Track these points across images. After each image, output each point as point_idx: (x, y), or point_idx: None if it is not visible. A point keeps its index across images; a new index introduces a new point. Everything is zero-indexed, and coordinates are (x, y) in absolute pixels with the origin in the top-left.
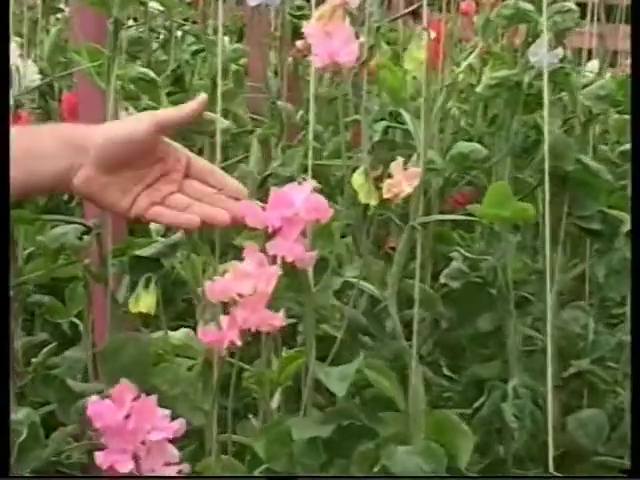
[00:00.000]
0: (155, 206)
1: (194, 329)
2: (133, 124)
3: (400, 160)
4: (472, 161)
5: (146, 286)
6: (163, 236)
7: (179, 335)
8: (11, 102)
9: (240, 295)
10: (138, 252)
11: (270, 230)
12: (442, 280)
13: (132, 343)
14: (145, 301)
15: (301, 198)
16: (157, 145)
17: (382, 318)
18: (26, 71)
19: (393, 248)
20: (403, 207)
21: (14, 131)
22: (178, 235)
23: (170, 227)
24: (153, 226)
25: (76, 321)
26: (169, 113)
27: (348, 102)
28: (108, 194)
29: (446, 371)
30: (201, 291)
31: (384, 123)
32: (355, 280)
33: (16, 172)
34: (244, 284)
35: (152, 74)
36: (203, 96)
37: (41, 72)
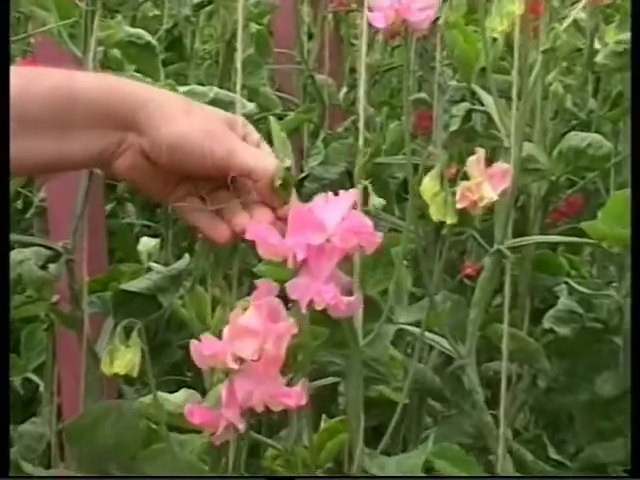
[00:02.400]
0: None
1: (196, 387)
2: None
3: (480, 152)
4: (589, 160)
5: (126, 336)
6: (163, 263)
7: (178, 398)
8: None
9: (239, 360)
10: (125, 286)
11: (291, 263)
12: (545, 324)
13: (114, 414)
14: (123, 359)
15: (336, 217)
16: None
17: (459, 376)
18: None
19: (471, 276)
20: (485, 220)
21: (40, 77)
22: (182, 262)
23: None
24: (143, 247)
25: (35, 379)
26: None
27: (411, 75)
28: (152, 183)
29: (552, 453)
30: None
31: (465, 105)
32: (417, 329)
33: (47, 139)
34: (245, 345)
35: (148, 36)
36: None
37: None
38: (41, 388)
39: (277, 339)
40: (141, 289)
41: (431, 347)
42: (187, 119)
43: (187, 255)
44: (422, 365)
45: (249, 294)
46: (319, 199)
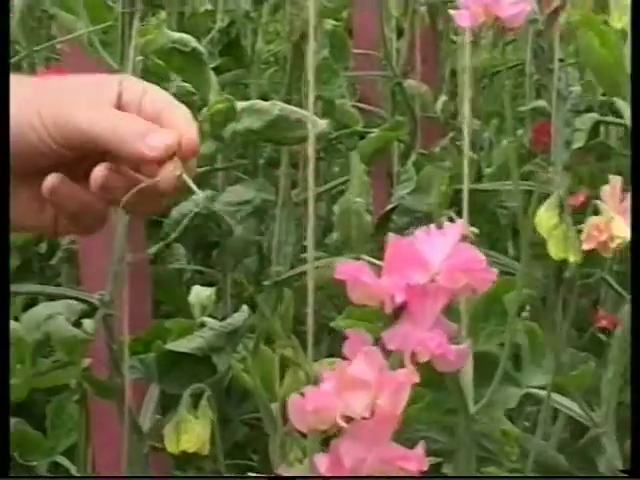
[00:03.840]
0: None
1: (263, 472)
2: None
3: (616, 181)
4: None
5: (194, 406)
6: (219, 317)
7: None
8: None
9: (348, 419)
10: (172, 345)
11: (389, 308)
12: None
13: None
14: (192, 433)
15: (442, 252)
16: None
17: (593, 454)
18: None
19: (606, 329)
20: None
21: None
22: (240, 316)
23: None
24: (195, 298)
25: (65, 463)
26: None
27: (526, 80)
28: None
29: None
30: (278, 409)
31: (592, 117)
32: (544, 392)
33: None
34: (355, 400)
35: (194, 42)
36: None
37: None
38: (72, 472)
39: (394, 392)
40: (191, 349)
41: (554, 418)
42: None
43: (245, 307)
44: (543, 441)
45: (329, 355)
46: (420, 233)
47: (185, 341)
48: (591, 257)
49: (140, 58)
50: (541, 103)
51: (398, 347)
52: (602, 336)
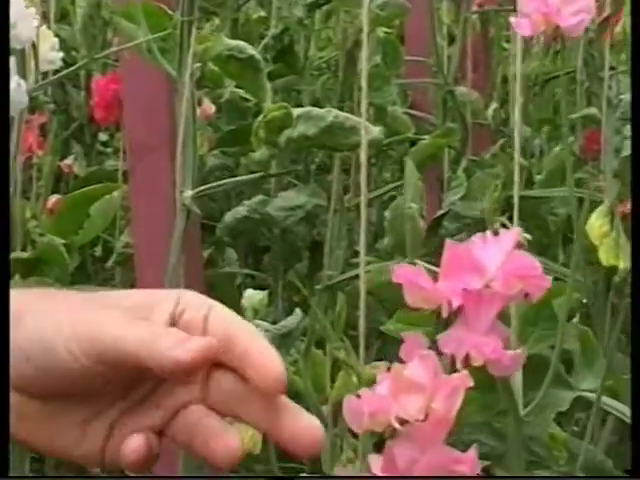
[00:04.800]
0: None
1: (314, 472)
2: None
3: None
4: None
5: None
6: (271, 321)
7: None
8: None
9: (402, 421)
10: None
11: (446, 312)
12: None
13: None
14: (246, 432)
15: (497, 258)
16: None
17: None
18: (42, 47)
19: None
20: None
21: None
22: (294, 319)
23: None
24: (247, 301)
25: None
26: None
27: (577, 87)
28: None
29: None
30: (330, 411)
31: None
32: (593, 395)
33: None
34: (410, 402)
35: (251, 49)
36: None
37: (64, 49)
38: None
39: (449, 395)
40: None
41: (603, 422)
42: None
43: (299, 310)
44: (591, 445)
45: (378, 358)
46: (476, 239)
47: None
48: None
49: (197, 65)
50: (592, 110)
51: (453, 350)
52: None
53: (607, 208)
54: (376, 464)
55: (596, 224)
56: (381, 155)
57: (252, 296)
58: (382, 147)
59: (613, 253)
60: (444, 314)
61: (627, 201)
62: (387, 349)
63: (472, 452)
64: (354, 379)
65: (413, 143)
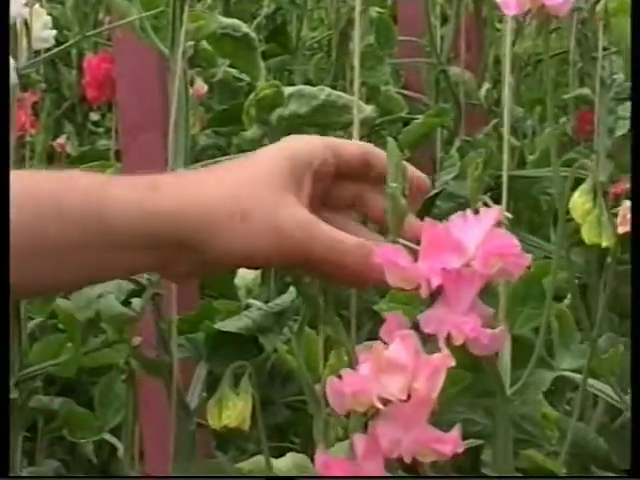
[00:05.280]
0: None
1: (305, 452)
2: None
3: None
4: None
5: (235, 384)
6: (264, 300)
7: (284, 464)
8: (15, 79)
9: (385, 401)
10: (221, 325)
11: (425, 291)
12: None
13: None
14: (234, 409)
15: (477, 237)
16: None
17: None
18: (34, 26)
19: None
20: None
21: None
22: (288, 297)
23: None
24: (241, 281)
25: (113, 441)
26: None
27: (569, 68)
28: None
29: None
30: (321, 390)
31: None
32: (573, 375)
33: (79, 260)
34: (392, 382)
35: (245, 27)
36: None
37: (57, 27)
38: (119, 452)
39: (430, 376)
40: (239, 329)
41: (595, 401)
42: (247, 226)
43: (293, 288)
44: (583, 424)
45: (370, 338)
46: (457, 218)
47: (233, 321)
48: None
49: (190, 43)
50: (584, 91)
51: (434, 330)
52: None
53: (591, 185)
54: (359, 444)
55: (579, 201)
56: (373, 135)
57: (245, 275)
58: (375, 127)
59: (596, 231)
60: (424, 294)
61: (620, 182)
62: (379, 329)
63: (455, 431)
64: (346, 358)
65: (406, 123)
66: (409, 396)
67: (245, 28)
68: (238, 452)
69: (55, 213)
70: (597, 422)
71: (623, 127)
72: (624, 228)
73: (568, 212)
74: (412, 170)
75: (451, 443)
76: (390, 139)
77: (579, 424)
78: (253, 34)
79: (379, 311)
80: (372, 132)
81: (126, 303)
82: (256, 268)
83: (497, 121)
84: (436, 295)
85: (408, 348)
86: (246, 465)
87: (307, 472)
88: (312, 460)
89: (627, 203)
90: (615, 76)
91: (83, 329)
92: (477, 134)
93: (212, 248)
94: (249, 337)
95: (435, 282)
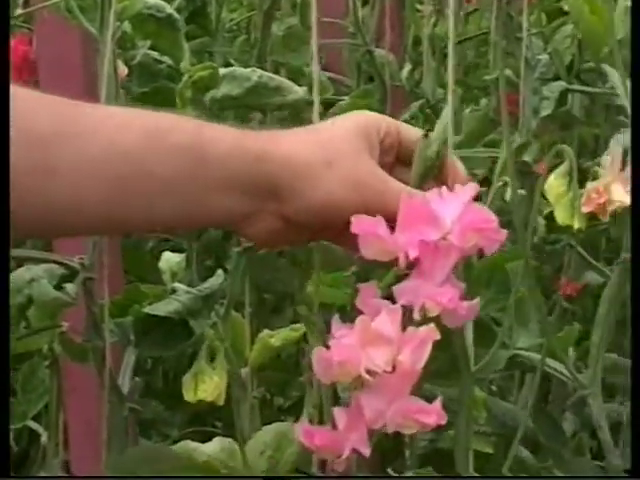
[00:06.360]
0: None
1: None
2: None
3: (618, 151)
4: None
5: (210, 358)
6: (186, 284)
7: (211, 449)
8: None
9: (370, 372)
10: (151, 309)
11: (403, 263)
12: None
13: (153, 462)
14: (210, 383)
15: (454, 211)
16: None
17: (555, 419)
18: None
19: (569, 296)
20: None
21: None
22: (216, 280)
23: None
24: (165, 264)
25: (36, 427)
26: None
27: (493, 48)
28: (286, 240)
29: None
30: (249, 374)
31: (560, 85)
32: (529, 354)
33: (171, 201)
34: (377, 354)
35: (169, 8)
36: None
37: None
38: (43, 439)
39: (416, 348)
40: (169, 313)
41: (520, 383)
42: (330, 173)
43: (221, 271)
44: (510, 405)
45: (294, 322)
46: (433, 193)
47: (162, 305)
48: (557, 225)
49: (117, 24)
50: (506, 72)
51: (409, 301)
52: (566, 303)
53: (566, 168)
54: (341, 417)
55: (554, 184)
56: (298, 116)
57: (170, 259)
58: (292, 110)
59: (568, 213)
60: (401, 265)
61: (543, 162)
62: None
63: (438, 403)
64: (273, 342)
65: (331, 105)
66: (394, 368)
67: (169, 9)
68: (161, 438)
69: (165, 148)
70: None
71: (548, 107)
72: (588, 208)
73: None
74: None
75: (435, 414)
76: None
77: (507, 404)
78: (177, 15)
79: (309, 294)
80: (297, 114)
81: (58, 288)
82: (331, 227)
83: (422, 102)
84: (412, 267)
85: (394, 321)
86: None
87: (235, 457)
88: (239, 444)
89: (592, 184)
90: (539, 56)
91: (15, 314)
92: (400, 116)
93: (299, 195)
94: (178, 321)
95: (412, 254)
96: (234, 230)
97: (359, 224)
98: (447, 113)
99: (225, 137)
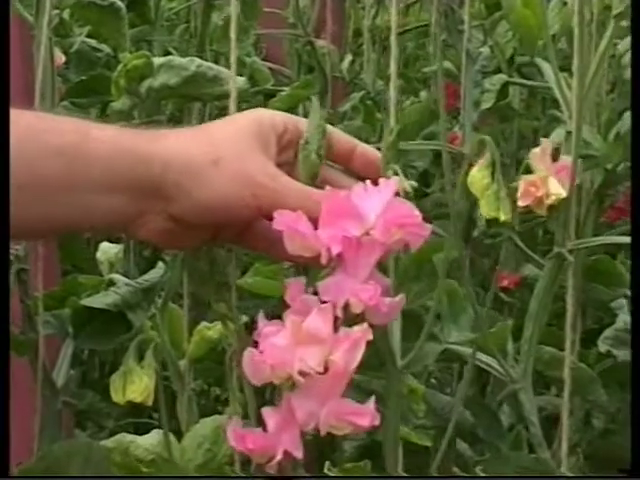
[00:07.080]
0: None
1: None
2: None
3: (547, 143)
4: None
5: (139, 357)
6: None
7: (150, 442)
8: None
9: (301, 373)
10: (88, 301)
11: (325, 259)
12: (601, 347)
13: (80, 457)
14: (140, 383)
15: (377, 207)
16: None
17: (495, 412)
18: None
19: (507, 288)
20: (525, 221)
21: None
22: (156, 273)
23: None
24: (103, 255)
25: None
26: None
27: (434, 40)
28: (184, 241)
29: None
30: (186, 366)
31: (501, 78)
32: (461, 348)
33: (55, 203)
34: (309, 355)
35: None
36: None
37: None
38: None
39: (349, 349)
40: (107, 305)
41: (459, 376)
42: (217, 171)
43: (161, 264)
44: (448, 397)
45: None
46: (357, 188)
47: (100, 297)
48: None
49: (56, 12)
50: (446, 64)
51: (333, 298)
52: (504, 295)
53: (488, 161)
54: (270, 417)
55: (478, 176)
56: (240, 107)
57: (107, 250)
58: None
59: (494, 205)
60: (323, 261)
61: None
62: (241, 304)
63: (371, 404)
64: (211, 334)
65: (272, 95)
66: (326, 368)
67: None
68: (96, 429)
69: (42, 149)
70: (464, 394)
71: (489, 100)
72: (525, 201)
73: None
74: (339, 133)
75: (369, 415)
76: (315, 99)
77: (445, 397)
78: (120, 3)
79: (244, 286)
80: (238, 104)
81: None
82: (230, 226)
83: (363, 94)
84: (335, 263)
85: (326, 320)
86: (108, 443)
87: (172, 449)
88: (177, 437)
89: (527, 177)
90: (480, 49)
91: None
92: (340, 106)
93: (184, 194)
94: (116, 313)
95: (335, 250)
96: (125, 232)
97: (281, 220)
98: (314, 114)
99: (108, 138)
